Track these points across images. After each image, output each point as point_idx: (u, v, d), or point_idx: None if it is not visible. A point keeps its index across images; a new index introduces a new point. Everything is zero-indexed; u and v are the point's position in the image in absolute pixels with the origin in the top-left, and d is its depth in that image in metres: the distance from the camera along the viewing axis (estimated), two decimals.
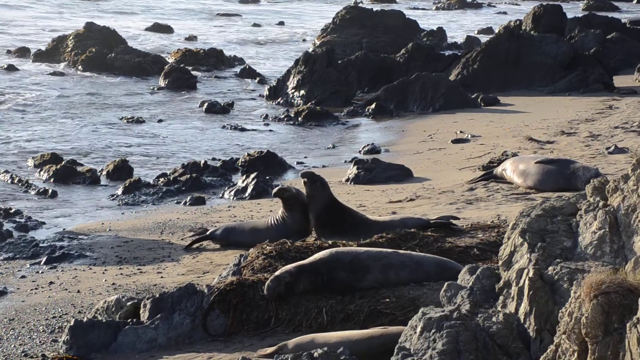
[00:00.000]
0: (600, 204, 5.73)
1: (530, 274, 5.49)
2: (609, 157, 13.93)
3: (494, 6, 47.10)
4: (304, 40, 35.59)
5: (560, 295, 5.35)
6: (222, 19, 41.93)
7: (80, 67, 27.35)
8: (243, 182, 14.06)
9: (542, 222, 5.89)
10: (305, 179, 9.87)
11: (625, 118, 17.83)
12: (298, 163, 16.31)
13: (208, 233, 10.90)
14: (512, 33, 24.58)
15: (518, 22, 28.06)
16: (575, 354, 4.85)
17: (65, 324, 8.10)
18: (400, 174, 14.37)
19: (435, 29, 34.43)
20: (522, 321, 5.45)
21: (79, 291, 9.38)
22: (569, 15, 30.69)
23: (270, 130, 19.71)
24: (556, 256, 5.62)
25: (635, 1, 45.49)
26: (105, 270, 10.14)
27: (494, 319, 5.47)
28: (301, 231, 9.94)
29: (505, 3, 49.14)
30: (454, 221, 9.54)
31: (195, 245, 10.84)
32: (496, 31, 28.40)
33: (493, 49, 23.86)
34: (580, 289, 5.02)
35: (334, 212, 9.76)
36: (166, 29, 37.17)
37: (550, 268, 5.51)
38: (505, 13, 43.73)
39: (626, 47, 27.04)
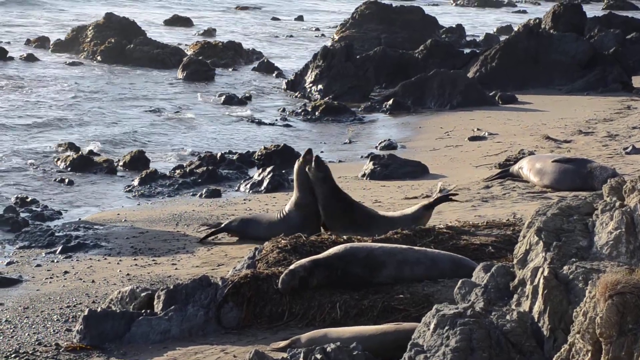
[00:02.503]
0: (617, 204, 5.71)
1: (545, 273, 5.47)
2: (627, 158, 13.86)
3: (514, 5, 46.92)
4: (323, 35, 35.56)
5: (574, 295, 5.34)
6: (241, 12, 42.00)
7: (99, 58, 27.45)
8: (259, 175, 14.08)
9: (558, 221, 5.87)
10: (311, 166, 9.82)
11: None
12: None
13: (224, 225, 10.93)
14: (532, 31, 24.48)
15: (538, 21, 27.93)
16: (589, 354, 4.84)
17: (79, 313, 8.13)
18: (417, 171, 14.35)
19: (454, 25, 34.35)
20: (536, 320, 5.43)
21: (93, 281, 9.42)
22: (589, 15, 30.53)
23: (287, 124, 19.71)
24: (571, 255, 5.60)
25: None
26: (120, 260, 10.18)
27: (507, 317, 5.46)
28: (307, 219, 9.92)
29: (526, 2, 48.97)
30: (453, 197, 9.70)
31: (210, 238, 10.86)
32: (515, 29, 28.29)
33: (512, 47, 23.77)
34: (595, 289, 5.00)
35: (337, 201, 9.78)
36: (185, 22, 37.24)
37: (566, 267, 5.49)
38: (524, 12, 43.58)
39: None
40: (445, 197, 9.93)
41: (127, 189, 14.02)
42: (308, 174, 9.96)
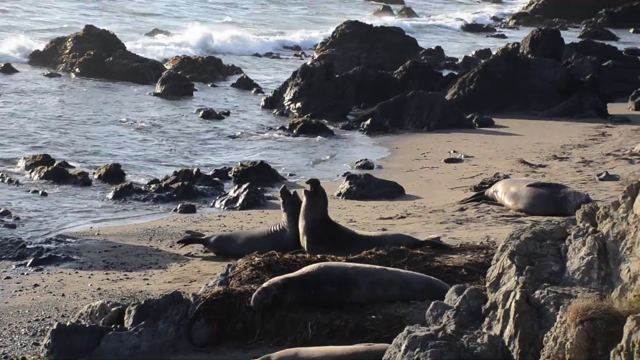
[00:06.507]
0: (590, 229, 5.73)
1: (517, 297, 5.48)
2: (600, 184, 13.95)
3: (493, 29, 47.32)
4: (303, 53, 35.64)
5: (545, 320, 5.35)
6: (223, 25, 42.00)
7: (77, 70, 27.32)
8: (235, 192, 14.04)
9: (531, 245, 5.88)
10: (310, 186, 9.80)
11: (618, 145, 17.89)
12: (291, 175, 16.31)
13: (204, 237, 10.94)
14: (510, 55, 24.64)
15: (516, 45, 28.14)
16: None
17: (47, 327, 8.04)
18: (393, 191, 14.38)
19: (433, 47, 34.54)
20: (506, 344, 5.44)
21: (63, 295, 9.33)
22: (567, 41, 30.79)
23: (265, 141, 19.70)
24: (544, 280, 5.61)
25: (632, 30, 45.69)
26: (92, 274, 10.10)
27: (478, 340, 5.45)
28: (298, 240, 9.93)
29: (504, 27, 49.37)
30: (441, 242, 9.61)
31: (184, 252, 10.82)
32: (494, 53, 28.48)
33: (490, 71, 23.92)
34: (566, 314, 5.02)
35: (325, 227, 9.74)
36: (166, 35, 37.18)
37: (537, 292, 5.51)
38: (504, 36, 43.90)
39: (622, 75, 27.14)
40: (436, 243, 9.67)
41: (102, 202, 13.94)
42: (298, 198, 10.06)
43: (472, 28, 47.25)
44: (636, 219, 5.43)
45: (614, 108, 23.08)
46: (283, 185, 11.12)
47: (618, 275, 5.33)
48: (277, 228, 10.36)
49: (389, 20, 46.25)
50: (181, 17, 43.86)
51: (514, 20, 51.13)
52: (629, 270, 5.24)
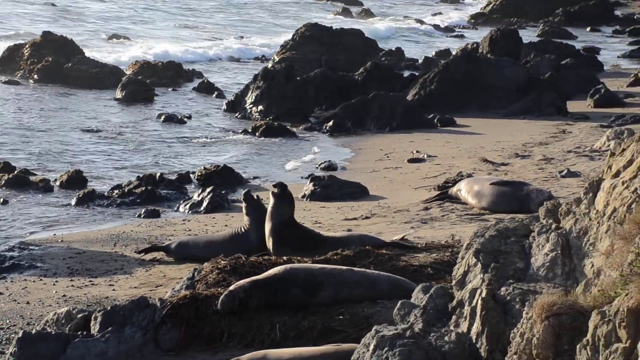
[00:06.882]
0: (553, 226, 5.81)
1: (483, 294, 5.54)
2: (562, 181, 14.11)
3: (452, 29, 47.59)
4: (263, 56, 35.60)
5: (512, 316, 5.40)
6: (183, 30, 41.82)
7: (35, 77, 27.03)
8: (199, 195, 13.99)
9: (496, 242, 5.95)
10: (277, 189, 9.79)
11: (578, 142, 18.09)
12: (254, 178, 16.29)
13: (164, 245, 10.89)
14: (469, 55, 24.83)
15: (475, 45, 28.33)
16: None
17: (13, 335, 7.96)
18: (357, 192, 14.42)
19: (394, 49, 34.66)
20: (474, 341, 5.49)
21: (28, 302, 9.24)
22: (525, 40, 31.09)
23: (227, 145, 19.66)
24: (509, 277, 5.67)
25: (589, 29, 46.22)
26: (56, 281, 10.01)
27: (446, 338, 5.50)
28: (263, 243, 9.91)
29: (463, 27, 49.67)
30: (406, 242, 9.64)
31: (149, 257, 10.77)
32: (454, 53, 28.67)
33: (450, 71, 24.07)
34: (532, 310, 5.08)
35: (292, 229, 9.74)
36: (125, 40, 36.94)
37: (503, 289, 5.57)
38: (462, 36, 44.20)
39: (579, 73, 27.46)
40: (401, 244, 9.70)
41: (64, 209, 13.81)
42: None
43: (439, 29, 47.51)
44: (598, 215, 5.51)
45: (573, 105, 23.34)
46: (247, 190, 11.10)
47: (582, 271, 5.40)
48: (239, 230, 10.35)
49: (374, 22, 46.37)
50: (142, 21, 43.61)
51: (472, 20, 51.49)
52: (592, 266, 5.31)
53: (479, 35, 37.08)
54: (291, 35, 33.09)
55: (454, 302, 5.81)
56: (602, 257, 5.21)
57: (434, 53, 35.68)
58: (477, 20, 51.42)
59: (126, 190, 14.57)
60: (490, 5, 53.44)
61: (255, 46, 38.09)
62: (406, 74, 27.48)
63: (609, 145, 16.10)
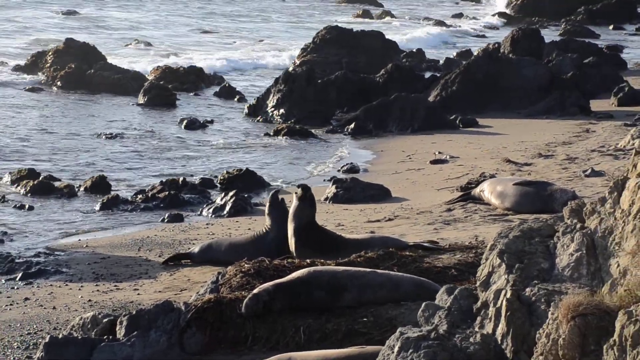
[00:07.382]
0: (578, 226, 5.78)
1: (508, 295, 5.51)
2: (586, 180, 14.03)
3: (473, 29, 47.46)
4: (284, 60, 35.62)
5: (537, 317, 5.38)
6: (204, 36, 41.95)
7: (59, 83, 27.21)
8: (222, 199, 14.04)
9: (520, 243, 5.92)
10: (301, 190, 9.80)
11: (602, 142, 17.98)
12: (277, 181, 16.32)
13: (187, 252, 10.93)
14: (491, 55, 24.75)
15: (497, 45, 28.25)
16: None
17: (40, 340, 8.03)
18: (379, 194, 14.41)
19: (414, 50, 34.60)
20: (499, 342, 5.47)
21: (54, 307, 9.31)
22: (547, 40, 30.94)
23: (249, 148, 19.71)
24: (533, 277, 5.65)
25: (611, 27, 45.93)
26: (82, 286, 10.08)
27: (471, 339, 5.48)
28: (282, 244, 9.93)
29: (485, 27, 49.49)
30: (430, 245, 9.60)
31: (172, 263, 10.82)
32: (475, 54, 28.57)
33: (472, 71, 24.00)
34: (557, 311, 5.05)
35: (312, 231, 9.75)
36: (147, 46, 37.10)
37: (528, 289, 5.54)
38: (484, 36, 44.06)
39: (603, 71, 27.29)
40: (424, 246, 9.68)
41: (89, 214, 13.90)
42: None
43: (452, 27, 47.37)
44: (623, 214, 5.48)
45: (596, 104, 23.20)
46: (276, 190, 11.12)
47: (608, 270, 5.37)
48: (261, 232, 10.39)
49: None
50: (164, 27, 43.80)
51: (504, 20, 51.23)
52: (618, 265, 5.28)
53: (501, 35, 36.96)
54: (311, 38, 33.11)
55: (479, 303, 5.79)
56: (628, 257, 5.18)
57: (455, 54, 35.58)
58: (502, 19, 51.23)
59: (150, 195, 14.64)
60: (512, 5, 53.25)
61: (275, 50, 38.15)
62: (427, 75, 27.43)
63: (633, 144, 15.99)
